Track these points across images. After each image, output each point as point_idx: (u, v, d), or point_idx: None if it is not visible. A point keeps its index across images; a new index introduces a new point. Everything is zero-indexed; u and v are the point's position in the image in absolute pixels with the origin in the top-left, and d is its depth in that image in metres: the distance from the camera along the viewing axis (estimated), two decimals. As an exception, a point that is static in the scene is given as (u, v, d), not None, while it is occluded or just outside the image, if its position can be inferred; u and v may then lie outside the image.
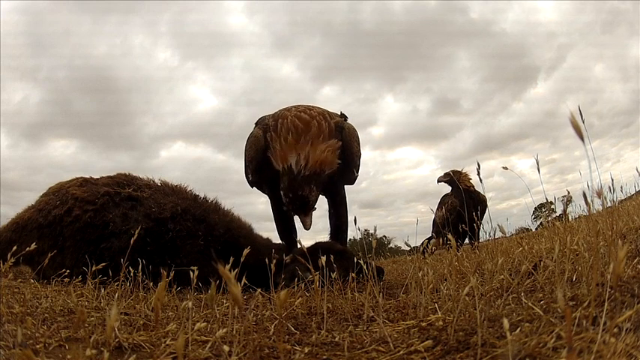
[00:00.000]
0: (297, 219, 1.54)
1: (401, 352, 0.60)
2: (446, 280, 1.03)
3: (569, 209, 1.79)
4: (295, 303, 0.91)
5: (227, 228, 1.48)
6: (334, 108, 1.76)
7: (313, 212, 1.48)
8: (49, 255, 1.24)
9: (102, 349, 0.58)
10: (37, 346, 0.64)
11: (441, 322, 0.70)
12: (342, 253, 1.40)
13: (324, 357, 0.61)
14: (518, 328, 0.59)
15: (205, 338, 0.68)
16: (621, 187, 2.27)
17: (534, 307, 0.67)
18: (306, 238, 1.51)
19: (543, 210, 2.28)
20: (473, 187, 2.97)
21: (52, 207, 1.49)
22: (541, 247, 1.26)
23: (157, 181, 1.61)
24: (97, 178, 1.60)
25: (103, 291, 1.04)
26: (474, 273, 1.09)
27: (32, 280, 1.30)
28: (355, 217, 1.28)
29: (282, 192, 1.42)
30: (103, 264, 1.05)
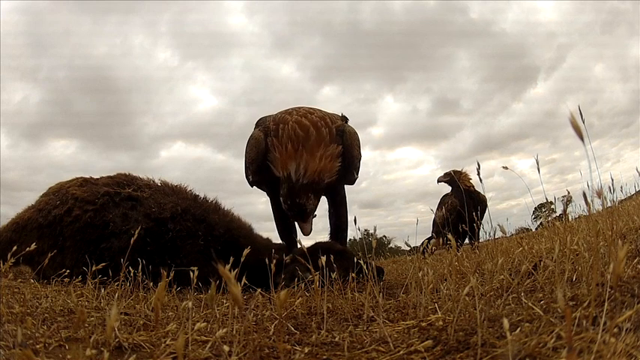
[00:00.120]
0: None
1: (401, 352, 0.60)
2: (446, 280, 1.03)
3: (569, 209, 1.80)
4: (295, 303, 0.91)
5: (227, 228, 1.48)
6: (334, 108, 1.76)
7: (313, 219, 1.50)
8: (49, 255, 1.24)
9: (102, 349, 0.58)
10: (37, 346, 0.64)
11: (441, 322, 0.70)
12: (342, 253, 1.40)
13: (324, 357, 0.61)
14: (518, 328, 0.59)
15: (205, 338, 0.68)
16: (621, 187, 2.28)
17: (534, 307, 0.67)
18: (306, 238, 1.52)
19: (543, 210, 2.28)
20: (473, 187, 2.96)
21: (52, 207, 1.49)
22: (541, 247, 1.26)
23: (157, 181, 1.61)
24: (97, 178, 1.60)
25: (103, 291, 1.04)
26: (474, 273, 1.09)
27: (32, 280, 1.30)
28: (355, 217, 1.28)
29: (281, 198, 1.44)
30: (103, 264, 1.05)
